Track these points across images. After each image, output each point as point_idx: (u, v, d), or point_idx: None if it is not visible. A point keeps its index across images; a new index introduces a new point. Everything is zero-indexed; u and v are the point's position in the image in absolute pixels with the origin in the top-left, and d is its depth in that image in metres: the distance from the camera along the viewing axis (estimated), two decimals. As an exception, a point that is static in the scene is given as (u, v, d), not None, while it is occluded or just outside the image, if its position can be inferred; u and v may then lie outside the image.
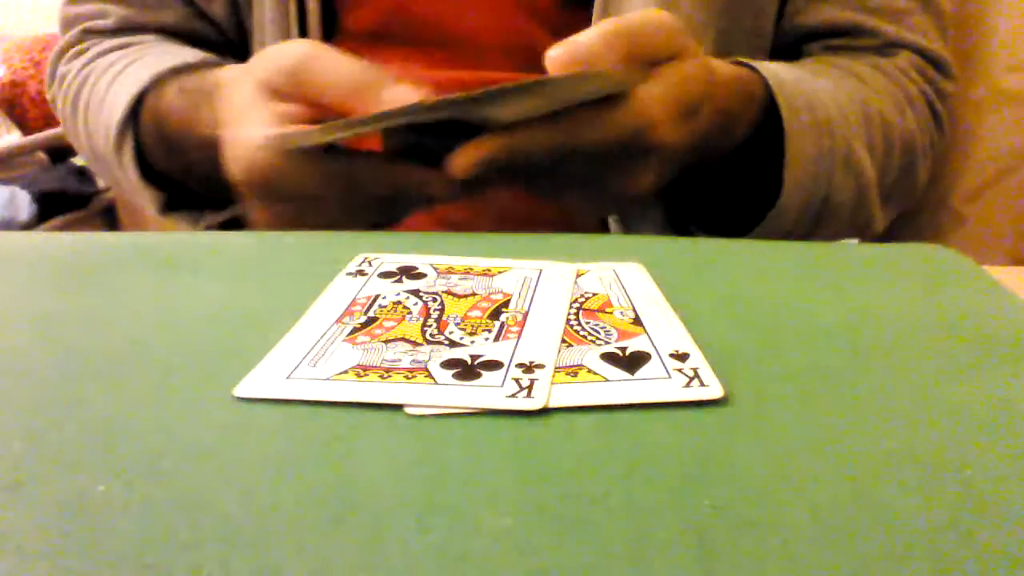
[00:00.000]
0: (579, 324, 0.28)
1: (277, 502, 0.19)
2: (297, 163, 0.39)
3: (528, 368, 0.25)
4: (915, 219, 0.68)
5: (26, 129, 1.98)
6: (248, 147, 0.40)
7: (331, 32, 0.58)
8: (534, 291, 0.31)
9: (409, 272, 0.33)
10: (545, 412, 0.23)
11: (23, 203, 1.59)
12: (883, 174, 0.54)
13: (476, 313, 0.29)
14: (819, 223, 0.50)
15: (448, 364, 0.25)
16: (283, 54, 0.41)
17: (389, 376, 0.24)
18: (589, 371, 0.25)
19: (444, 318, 0.29)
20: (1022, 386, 0.25)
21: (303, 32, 0.56)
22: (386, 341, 0.27)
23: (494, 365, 0.25)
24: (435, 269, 0.34)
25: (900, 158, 0.55)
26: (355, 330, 0.28)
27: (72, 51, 0.61)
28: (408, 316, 0.29)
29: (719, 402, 0.23)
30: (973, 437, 0.22)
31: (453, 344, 0.27)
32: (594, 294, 0.31)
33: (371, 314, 0.29)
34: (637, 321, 0.29)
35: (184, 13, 0.60)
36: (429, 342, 0.27)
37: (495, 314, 0.29)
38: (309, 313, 0.29)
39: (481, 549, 0.18)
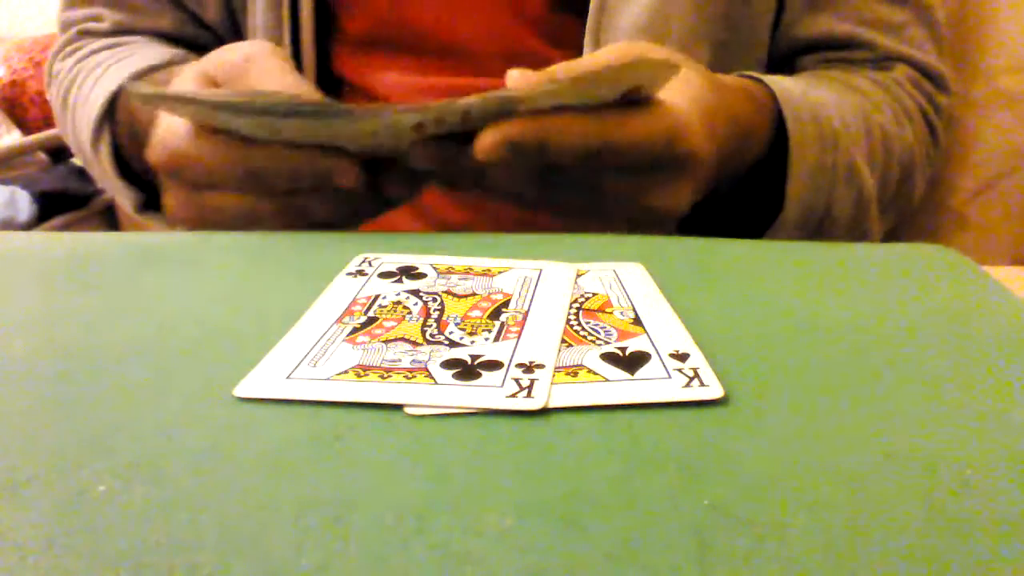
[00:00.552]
0: (579, 324, 0.28)
1: (277, 502, 0.19)
2: (203, 144, 0.39)
3: (528, 368, 0.25)
4: (915, 219, 0.68)
5: (26, 129, 1.99)
6: (166, 128, 0.40)
7: (326, 38, 0.58)
8: (534, 291, 0.31)
9: (409, 272, 0.33)
10: (545, 412, 0.23)
11: (23, 203, 1.59)
12: (883, 188, 0.54)
13: (476, 313, 0.29)
14: (817, 235, 0.50)
15: (448, 364, 0.25)
16: (232, 50, 0.42)
17: (389, 376, 0.24)
18: (589, 371, 0.25)
19: (444, 318, 0.29)
20: (1022, 386, 0.25)
21: (296, 38, 0.56)
22: (386, 341, 0.27)
23: (494, 365, 0.25)
24: (435, 269, 0.34)
25: (899, 172, 0.55)
26: (355, 330, 0.28)
27: (67, 50, 0.61)
28: (408, 316, 0.29)
29: (719, 402, 0.23)
30: (973, 437, 0.22)
31: (453, 344, 0.27)
32: (594, 294, 0.31)
33: (371, 314, 0.29)
34: (637, 321, 0.29)
35: (178, 18, 0.60)
36: (429, 342, 0.27)
37: (495, 314, 0.29)
38: (309, 313, 0.29)
39: (481, 549, 0.18)
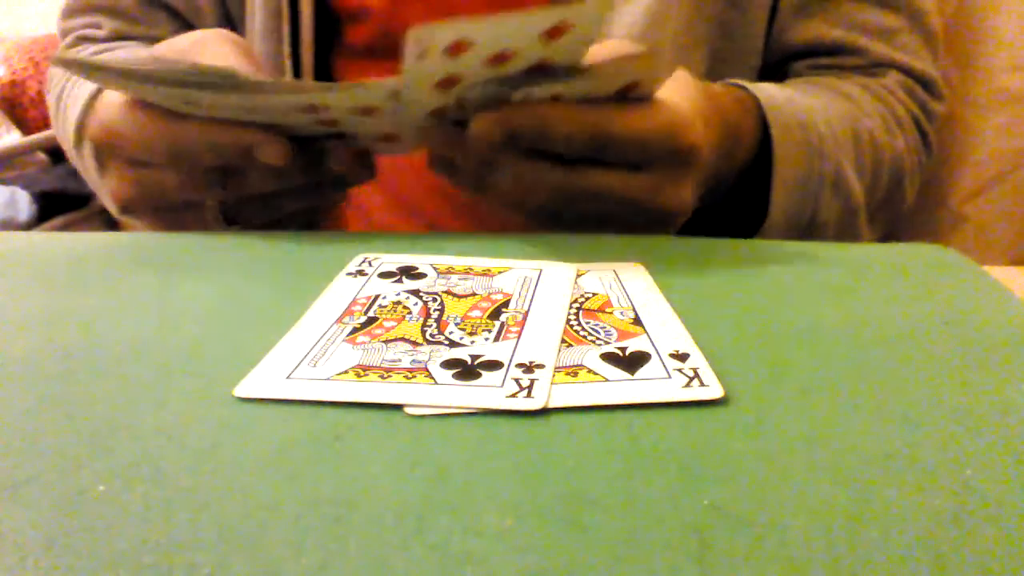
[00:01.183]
0: (579, 324, 0.28)
1: (277, 502, 0.19)
2: (135, 118, 0.38)
3: (528, 368, 0.25)
4: (915, 219, 0.68)
5: (26, 129, 1.99)
6: (102, 103, 0.40)
7: (326, 48, 0.58)
8: (534, 291, 0.31)
9: (409, 272, 0.33)
10: (545, 412, 0.23)
11: (23, 203, 1.59)
12: (871, 195, 0.53)
13: (476, 313, 0.29)
14: (806, 240, 0.50)
15: (448, 364, 0.25)
16: (188, 36, 0.43)
17: (389, 376, 0.24)
18: (589, 371, 0.25)
19: (444, 318, 0.29)
20: (1022, 386, 0.25)
21: (295, 46, 0.55)
22: (386, 341, 0.27)
23: (494, 365, 0.25)
24: (435, 269, 0.34)
25: (888, 179, 0.54)
26: (355, 330, 0.28)
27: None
28: (408, 316, 0.29)
29: (719, 402, 0.23)
30: (973, 437, 0.22)
31: (453, 344, 0.27)
32: (594, 294, 0.31)
33: (371, 314, 0.29)
34: (637, 321, 0.29)
35: (175, 27, 0.60)
36: (429, 342, 0.27)
37: (495, 314, 0.29)
38: (309, 313, 0.29)
39: (481, 549, 0.18)
